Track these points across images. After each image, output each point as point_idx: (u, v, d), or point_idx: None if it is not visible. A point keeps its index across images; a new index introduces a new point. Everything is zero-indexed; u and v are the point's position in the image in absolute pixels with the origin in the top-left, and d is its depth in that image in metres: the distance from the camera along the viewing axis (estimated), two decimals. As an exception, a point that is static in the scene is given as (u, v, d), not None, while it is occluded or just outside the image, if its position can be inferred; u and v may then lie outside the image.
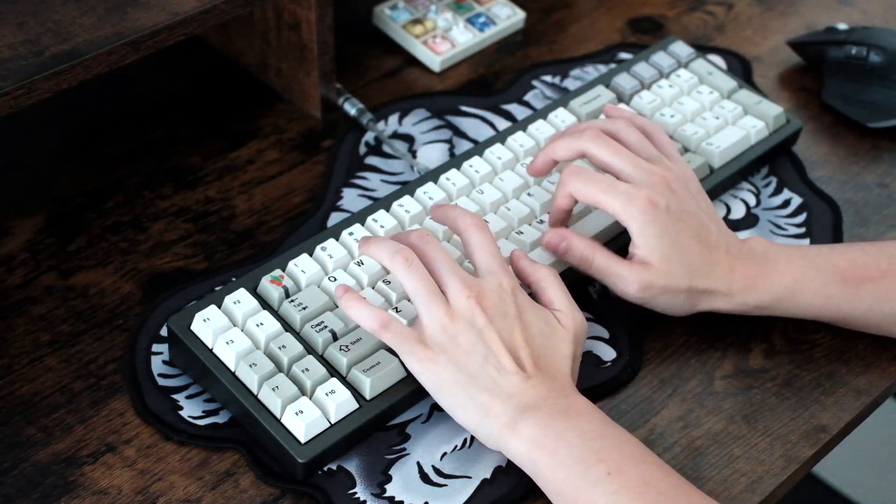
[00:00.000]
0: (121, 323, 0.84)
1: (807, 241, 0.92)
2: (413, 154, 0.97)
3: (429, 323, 0.75)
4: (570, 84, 1.04)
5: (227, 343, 0.77)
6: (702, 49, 1.07)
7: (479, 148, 0.92)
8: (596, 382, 0.82)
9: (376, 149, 0.97)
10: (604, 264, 0.82)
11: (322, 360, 0.78)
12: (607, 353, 0.84)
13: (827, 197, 0.96)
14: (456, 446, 0.78)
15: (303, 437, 0.75)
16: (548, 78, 1.04)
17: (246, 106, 1.00)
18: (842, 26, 1.04)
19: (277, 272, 0.82)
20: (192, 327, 0.79)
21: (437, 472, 0.77)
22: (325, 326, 0.79)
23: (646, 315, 0.86)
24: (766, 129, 0.97)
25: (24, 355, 0.82)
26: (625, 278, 0.81)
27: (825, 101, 1.03)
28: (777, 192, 0.96)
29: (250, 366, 0.76)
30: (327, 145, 0.97)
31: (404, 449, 0.78)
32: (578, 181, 0.82)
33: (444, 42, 1.05)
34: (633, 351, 0.84)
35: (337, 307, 0.81)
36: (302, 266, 0.82)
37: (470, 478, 0.77)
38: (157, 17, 0.83)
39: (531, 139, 0.93)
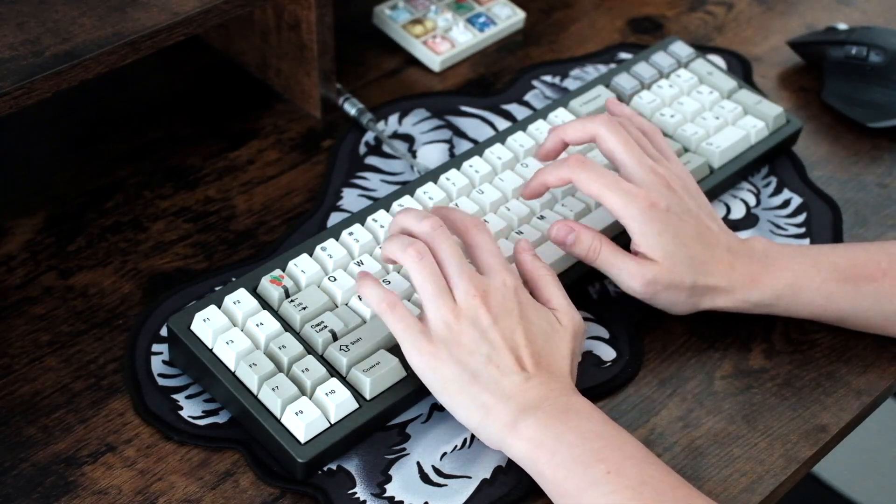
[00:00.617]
0: (121, 323, 0.84)
1: (807, 241, 0.92)
2: (413, 154, 0.97)
3: (434, 318, 0.75)
4: (570, 84, 1.04)
5: (227, 343, 0.77)
6: (702, 49, 1.07)
7: (479, 148, 0.92)
8: (596, 382, 0.82)
9: (376, 149, 0.97)
10: (610, 257, 0.82)
11: (322, 360, 0.78)
12: (607, 353, 0.84)
13: (827, 197, 0.96)
14: (456, 446, 0.78)
15: (303, 437, 0.75)
16: (548, 78, 1.04)
17: (246, 106, 1.00)
18: (842, 26, 1.04)
19: (277, 272, 0.82)
20: (192, 327, 0.79)
21: (437, 472, 0.77)
22: (325, 326, 0.79)
23: (646, 315, 0.86)
24: (766, 129, 0.97)
25: (24, 355, 0.82)
26: (631, 272, 0.81)
27: (825, 101, 1.03)
28: (777, 192, 0.96)
29: (250, 366, 0.76)
30: (327, 145, 0.97)
31: (404, 449, 0.78)
32: (583, 171, 0.82)
33: (444, 42, 1.05)
34: (633, 351, 0.84)
35: (337, 307, 0.81)
36: (302, 266, 0.82)
37: (470, 478, 0.77)
38: (157, 17, 0.83)
39: (531, 139, 0.93)
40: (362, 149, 0.97)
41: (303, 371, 0.77)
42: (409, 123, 0.99)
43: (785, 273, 0.83)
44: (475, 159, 0.91)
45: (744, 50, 1.08)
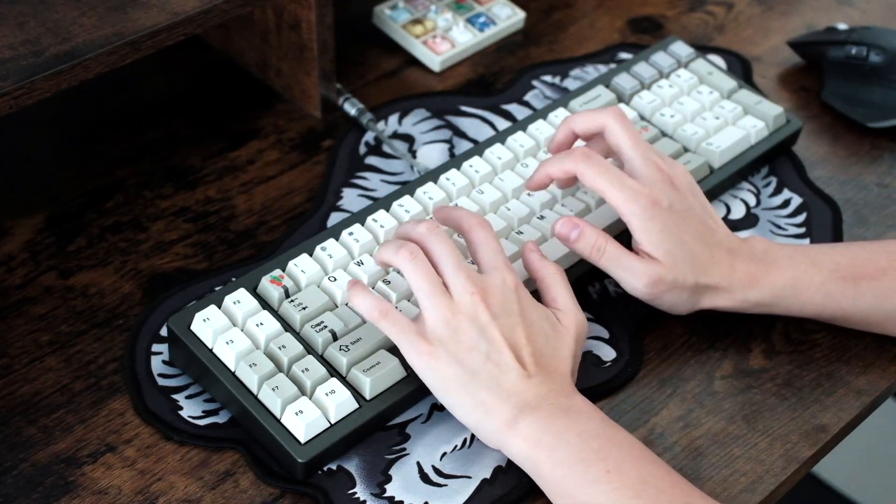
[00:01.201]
0: (121, 323, 0.84)
1: (807, 240, 0.92)
2: (413, 154, 0.97)
3: (431, 317, 0.75)
4: (570, 84, 1.04)
5: (227, 343, 0.77)
6: (702, 49, 1.07)
7: (479, 148, 0.92)
8: (596, 382, 0.82)
9: (376, 149, 0.97)
10: (615, 256, 0.82)
11: (322, 360, 0.78)
12: (607, 353, 0.84)
13: (827, 197, 0.96)
14: (456, 446, 0.78)
15: (303, 437, 0.75)
16: (548, 78, 1.04)
17: (246, 106, 1.00)
18: (842, 26, 1.04)
19: (277, 272, 0.82)
20: (192, 327, 0.79)
21: (437, 472, 0.77)
22: (325, 326, 0.79)
23: (646, 315, 0.86)
24: (766, 129, 0.97)
25: (24, 355, 0.82)
26: (635, 272, 0.81)
27: (825, 101, 1.03)
28: (777, 192, 0.96)
29: (250, 366, 0.76)
30: (327, 145, 0.97)
31: (404, 449, 0.78)
32: (587, 165, 0.82)
33: (444, 42, 1.05)
34: (633, 351, 0.84)
35: (337, 307, 0.81)
36: (302, 266, 0.82)
37: (470, 478, 0.77)
38: (157, 17, 0.83)
39: (531, 139, 0.93)
40: (362, 149, 0.97)
41: (303, 371, 0.77)
42: (409, 123, 0.99)
43: (785, 272, 0.83)
44: (475, 159, 0.91)
45: (744, 50, 1.08)
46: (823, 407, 0.83)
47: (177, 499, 0.75)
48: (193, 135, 0.97)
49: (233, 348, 0.77)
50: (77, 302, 0.85)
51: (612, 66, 1.05)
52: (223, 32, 1.02)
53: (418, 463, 0.78)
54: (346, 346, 0.78)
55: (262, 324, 0.79)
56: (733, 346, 0.86)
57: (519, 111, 1.01)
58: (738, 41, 1.09)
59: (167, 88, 1.01)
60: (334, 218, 0.91)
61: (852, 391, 0.84)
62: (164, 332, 0.83)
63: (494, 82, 1.04)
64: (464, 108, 1.01)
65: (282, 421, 0.75)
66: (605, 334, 0.85)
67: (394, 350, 0.78)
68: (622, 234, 0.86)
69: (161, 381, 0.80)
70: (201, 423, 0.78)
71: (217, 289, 0.84)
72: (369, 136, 0.98)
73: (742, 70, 1.06)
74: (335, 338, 0.79)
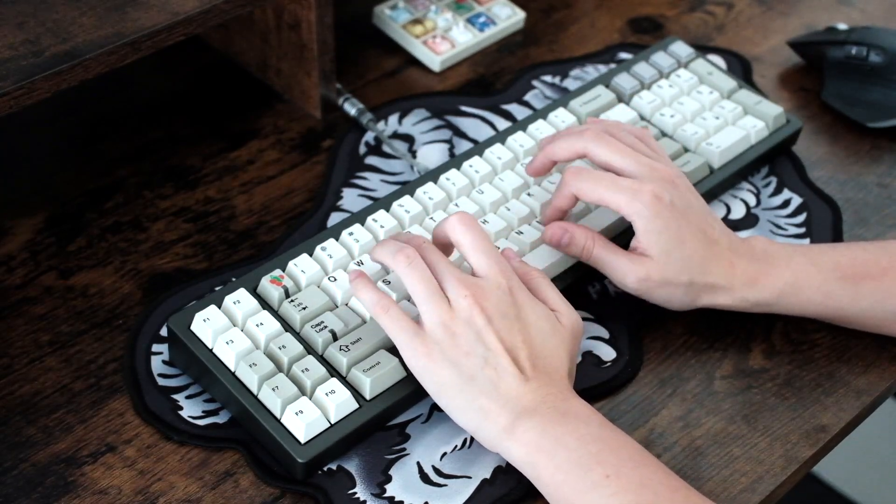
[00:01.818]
0: (121, 323, 0.84)
1: (807, 240, 0.92)
2: (413, 154, 0.97)
3: (428, 320, 0.75)
4: (570, 84, 1.04)
5: (227, 343, 0.77)
6: (702, 49, 1.07)
7: (479, 148, 0.92)
8: (596, 382, 0.82)
9: (376, 149, 0.97)
10: (603, 254, 0.82)
11: (322, 360, 0.78)
12: (607, 353, 0.84)
13: (827, 197, 0.96)
14: (456, 446, 0.78)
15: (303, 437, 0.75)
16: (548, 78, 1.04)
17: (246, 106, 1.00)
18: (842, 26, 1.04)
19: (277, 272, 0.82)
20: (192, 327, 0.79)
21: (437, 472, 0.77)
22: (325, 326, 0.79)
23: (645, 315, 0.86)
24: (766, 129, 0.97)
25: (24, 355, 0.82)
26: (623, 269, 0.82)
27: (825, 101, 1.03)
28: (777, 192, 0.96)
29: (250, 366, 0.76)
30: (327, 145, 0.97)
31: (404, 449, 0.78)
32: (582, 181, 0.82)
33: (444, 42, 1.05)
34: (633, 351, 0.84)
35: (337, 307, 0.81)
36: (302, 266, 0.82)
37: (470, 478, 0.77)
38: (157, 17, 0.83)
39: (531, 139, 0.93)
40: (362, 149, 0.97)
41: (303, 371, 0.77)
42: (409, 123, 0.99)
43: (785, 272, 0.83)
44: (475, 159, 0.91)
45: (744, 50, 1.08)
46: (823, 407, 0.83)
47: (177, 499, 0.75)
48: (193, 135, 0.97)
49: (233, 348, 0.77)
50: (77, 302, 0.85)
51: (612, 66, 1.05)
52: (223, 32, 1.02)
53: (418, 463, 0.78)
54: (346, 346, 0.78)
55: (262, 324, 0.79)
56: (733, 345, 0.86)
57: (519, 111, 1.01)
58: (738, 41, 1.09)
59: (167, 88, 1.01)
60: (334, 218, 0.91)
61: (852, 391, 0.84)
62: (164, 332, 0.83)
63: (494, 82, 1.04)
64: (464, 108, 1.01)
65: (282, 421, 0.75)
66: (605, 334, 0.85)
67: (394, 350, 0.78)
68: (622, 235, 0.87)
69: (161, 381, 0.80)
70: (201, 423, 0.78)
71: (217, 289, 0.84)
72: (369, 136, 0.98)
73: (742, 70, 1.06)
74: (335, 338, 0.79)
